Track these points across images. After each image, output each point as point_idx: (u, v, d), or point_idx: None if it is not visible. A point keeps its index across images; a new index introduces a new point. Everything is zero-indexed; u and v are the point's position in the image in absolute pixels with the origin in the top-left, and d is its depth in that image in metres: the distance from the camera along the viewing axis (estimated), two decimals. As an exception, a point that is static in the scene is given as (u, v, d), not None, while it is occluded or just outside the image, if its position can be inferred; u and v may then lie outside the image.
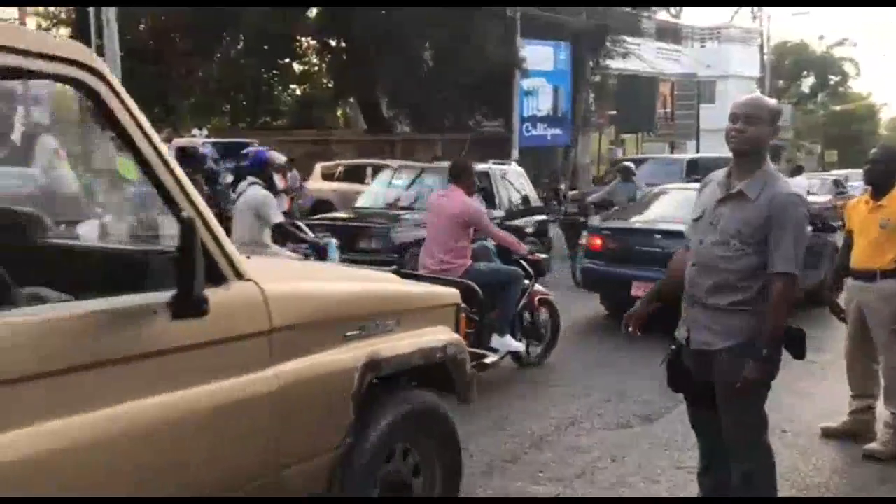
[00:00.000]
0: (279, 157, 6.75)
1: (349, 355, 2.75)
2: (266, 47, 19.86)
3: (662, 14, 33.73)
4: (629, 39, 24.17)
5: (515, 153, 20.62)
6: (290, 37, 20.03)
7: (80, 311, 2.04)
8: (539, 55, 21.52)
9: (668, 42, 35.54)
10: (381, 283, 3.39)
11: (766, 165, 3.21)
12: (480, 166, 10.95)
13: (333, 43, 21.01)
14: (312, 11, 19.99)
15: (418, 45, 19.38)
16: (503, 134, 21.55)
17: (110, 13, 12.85)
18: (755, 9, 39.30)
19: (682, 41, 37.35)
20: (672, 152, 31.43)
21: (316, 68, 23.99)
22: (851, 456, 4.67)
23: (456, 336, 3.37)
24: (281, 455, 2.54)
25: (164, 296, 2.12)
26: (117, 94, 2.16)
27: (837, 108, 53.04)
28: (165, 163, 2.24)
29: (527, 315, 6.43)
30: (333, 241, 6.83)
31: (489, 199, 10.25)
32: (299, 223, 6.93)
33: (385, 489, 2.93)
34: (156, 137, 2.24)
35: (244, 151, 7.02)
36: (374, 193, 11.28)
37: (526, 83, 21.28)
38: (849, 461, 4.62)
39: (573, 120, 23.31)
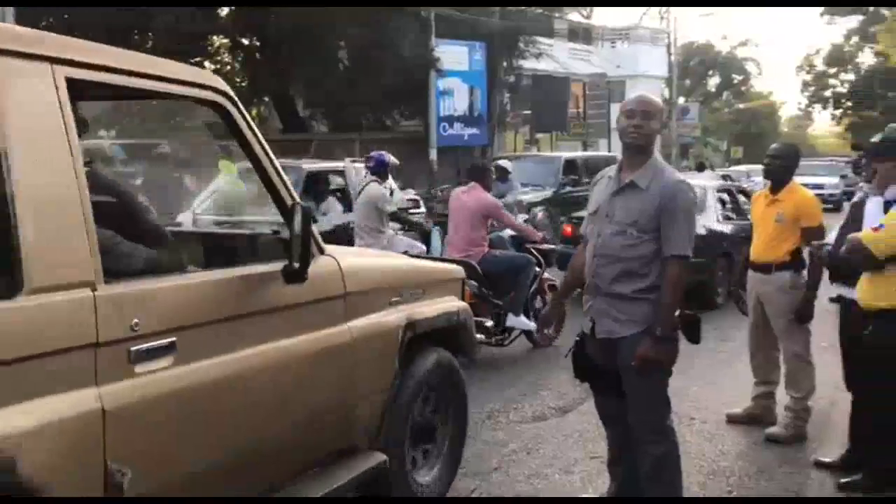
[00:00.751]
0: (395, 160, 7.81)
1: (395, 317, 3.43)
2: (178, 45, 19.36)
3: (574, 15, 34.36)
4: (542, 40, 24.51)
5: (433, 153, 20.72)
6: (201, 35, 19.56)
7: (236, 275, 2.68)
8: (454, 55, 21.61)
9: (579, 43, 36.19)
10: (409, 261, 4.18)
11: (654, 157, 3.37)
12: (334, 164, 10.14)
13: (246, 41, 20.66)
14: (224, 10, 19.59)
15: (334, 43, 19.21)
16: (420, 134, 21.60)
17: (7, 12, 12.33)
18: (663, 10, 40.51)
19: (593, 42, 38.09)
20: (585, 151, 32.10)
21: (229, 67, 23.53)
22: (755, 440, 4.87)
23: (464, 303, 4.08)
24: (354, 392, 3.20)
25: (277, 266, 2.74)
26: (241, 113, 2.82)
27: (742, 106, 55.10)
28: (273, 165, 2.89)
29: (538, 299, 7.09)
30: (437, 228, 7.99)
31: (346, 201, 9.20)
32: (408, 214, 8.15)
33: (416, 425, 3.63)
34: (266, 146, 2.88)
35: (368, 155, 7.87)
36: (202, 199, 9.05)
37: (442, 83, 21.34)
38: (752, 445, 4.82)
39: (489, 120, 23.53)
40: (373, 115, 21.12)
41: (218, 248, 3.11)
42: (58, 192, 2.13)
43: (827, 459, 4.44)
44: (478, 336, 4.74)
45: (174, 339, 2.38)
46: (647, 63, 38.63)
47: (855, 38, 48.41)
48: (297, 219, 2.69)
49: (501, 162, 12.16)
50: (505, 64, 23.32)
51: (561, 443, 4.80)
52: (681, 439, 4.72)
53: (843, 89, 51.82)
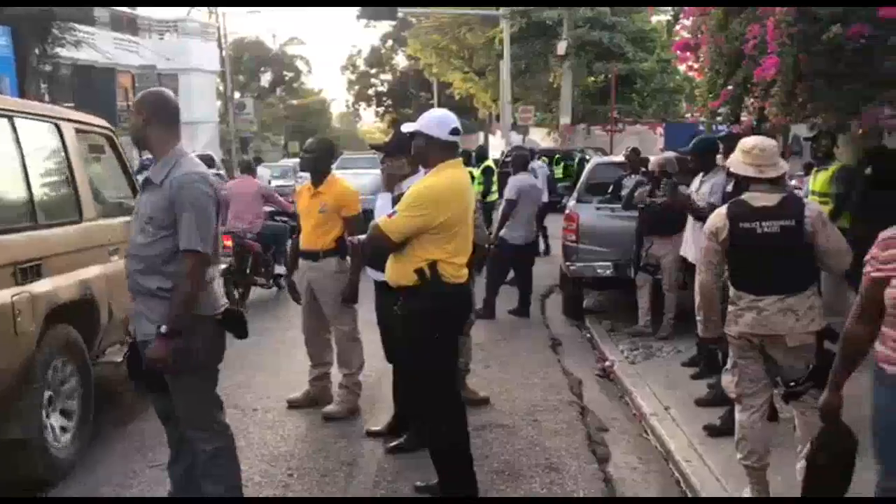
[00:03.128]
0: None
1: None
2: None
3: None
4: (81, 28, 22.66)
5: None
6: None
7: (108, 223, 5.13)
8: (-29, 40, 18.93)
9: (125, 33, 34.33)
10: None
11: (174, 151, 3.30)
12: None
13: None
14: None
15: None
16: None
17: None
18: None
19: (139, 33, 36.40)
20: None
21: None
22: (314, 421, 5.11)
23: None
24: None
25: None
26: (118, 141, 5.67)
27: (295, 102, 57.17)
28: (131, 167, 5.93)
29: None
30: None
31: None
32: None
33: None
34: (128, 160, 5.86)
35: (200, 156, 10.08)
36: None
37: (-43, 70, 18.57)
38: (312, 426, 5.05)
39: (23, 112, 21.09)
40: None
41: (117, 208, 5.36)
42: (86, 180, 4.91)
43: (376, 428, 4.85)
44: (257, 279, 9.46)
45: (118, 247, 4.86)
46: (200, 57, 38.11)
47: (390, 42, 53.10)
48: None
49: None
50: (38, 51, 21.10)
51: (120, 456, 4.54)
52: (244, 431, 4.81)
53: (383, 88, 56.66)
